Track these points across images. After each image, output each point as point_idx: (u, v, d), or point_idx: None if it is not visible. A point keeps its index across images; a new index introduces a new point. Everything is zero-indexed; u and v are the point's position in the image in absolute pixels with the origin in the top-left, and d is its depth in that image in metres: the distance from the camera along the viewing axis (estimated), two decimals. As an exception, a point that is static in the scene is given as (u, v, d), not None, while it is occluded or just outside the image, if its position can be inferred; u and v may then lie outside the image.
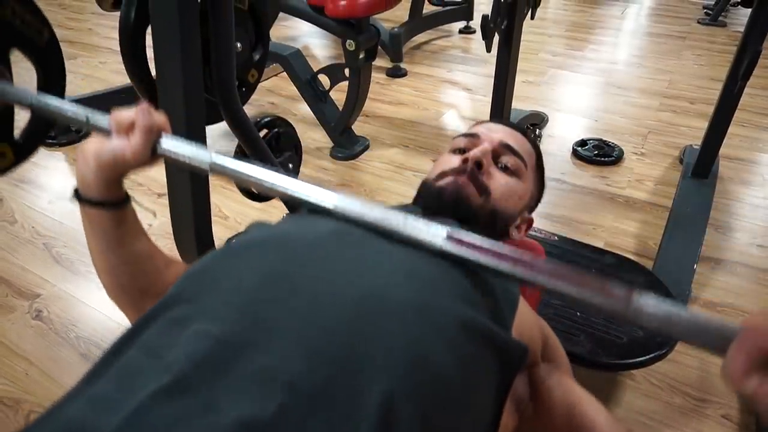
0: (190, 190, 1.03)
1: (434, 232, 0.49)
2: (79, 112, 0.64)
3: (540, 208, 1.80)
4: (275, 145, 1.41)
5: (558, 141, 2.22)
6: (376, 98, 2.61)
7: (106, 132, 0.60)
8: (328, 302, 0.41)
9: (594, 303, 0.43)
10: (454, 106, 2.59)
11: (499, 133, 0.76)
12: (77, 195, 0.61)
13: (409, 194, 1.83)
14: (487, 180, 0.71)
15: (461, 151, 0.76)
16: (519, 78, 2.76)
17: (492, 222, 0.71)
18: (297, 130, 2.21)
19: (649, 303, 0.42)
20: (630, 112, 2.48)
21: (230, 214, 1.76)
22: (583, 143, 2.13)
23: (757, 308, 1.39)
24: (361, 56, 1.87)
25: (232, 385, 0.35)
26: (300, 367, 0.36)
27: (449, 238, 0.48)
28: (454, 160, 0.73)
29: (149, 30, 0.99)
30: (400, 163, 2.08)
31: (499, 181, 0.72)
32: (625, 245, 1.62)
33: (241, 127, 1.18)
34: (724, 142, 2.05)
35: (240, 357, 0.37)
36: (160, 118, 0.59)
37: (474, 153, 0.71)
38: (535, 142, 0.81)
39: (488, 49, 1.63)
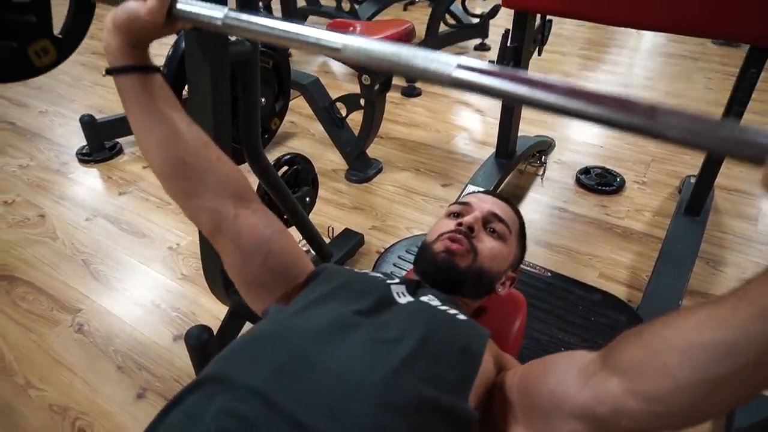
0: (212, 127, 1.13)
1: (446, 61, 0.48)
2: None
3: (542, 236, 1.93)
4: (294, 180, 1.54)
5: (563, 168, 2.32)
6: (391, 119, 2.73)
7: None
8: (322, 389, 0.53)
9: (617, 120, 0.42)
10: (466, 129, 2.70)
11: (488, 203, 0.88)
12: (107, 70, 0.66)
13: (418, 220, 1.98)
14: (476, 242, 0.83)
15: (456, 215, 0.88)
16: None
17: (479, 279, 0.83)
18: (315, 150, 2.36)
19: (674, 116, 0.40)
20: (635, 138, 2.55)
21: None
22: (586, 171, 2.23)
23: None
24: (377, 88, 1.99)
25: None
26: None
27: (459, 66, 0.47)
28: (450, 224, 0.85)
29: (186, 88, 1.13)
30: (410, 187, 2.20)
31: (486, 245, 0.84)
32: (618, 276, 1.73)
33: (263, 171, 1.32)
34: (725, 172, 2.14)
35: (254, 429, 0.50)
36: None
37: (467, 219, 0.83)
38: (518, 211, 0.93)
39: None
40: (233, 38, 1.09)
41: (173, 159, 0.70)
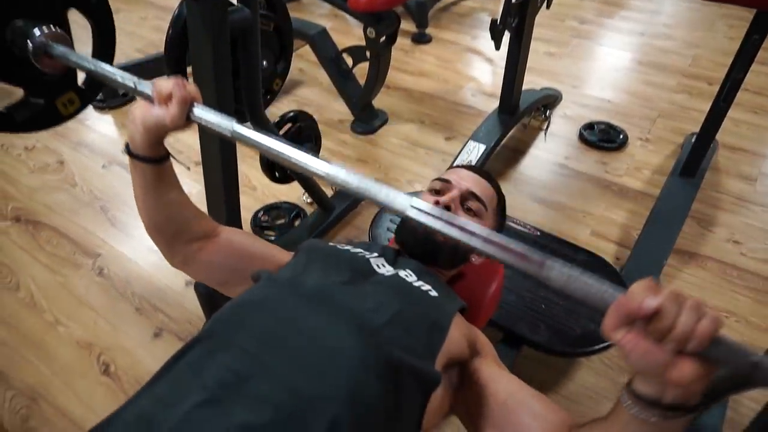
0: (219, 158, 1.24)
1: (402, 201, 0.61)
2: (128, 79, 0.77)
3: (539, 192, 1.98)
4: (297, 137, 1.60)
5: (568, 123, 2.33)
6: (399, 68, 2.72)
7: (149, 98, 0.73)
8: (303, 353, 0.63)
9: (516, 266, 0.53)
10: (474, 79, 2.69)
11: (467, 181, 0.94)
12: (128, 149, 0.77)
13: (420, 173, 2.04)
14: None
15: (436, 192, 0.95)
16: (541, 48, 2.84)
17: (454, 253, 0.91)
18: (322, 100, 2.40)
19: (557, 267, 0.52)
20: (644, 92, 2.54)
21: (258, 186, 1.98)
22: (590, 126, 2.24)
23: (716, 302, 1.56)
24: (382, 40, 2.00)
25: (241, 402, 0.58)
26: (285, 395, 0.58)
27: (412, 206, 0.60)
28: (429, 201, 0.92)
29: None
30: (414, 140, 2.24)
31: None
32: (610, 234, 1.79)
33: (264, 129, 1.38)
34: (731, 129, 2.15)
35: (247, 384, 0.59)
36: (192, 89, 0.72)
37: (444, 199, 0.90)
38: (497, 187, 0.99)
39: (497, 48, 1.74)
40: (233, 6, 1.12)
41: (162, 222, 0.83)
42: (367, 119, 2.27)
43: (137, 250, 1.74)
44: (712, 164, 2.07)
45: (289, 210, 1.86)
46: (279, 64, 1.39)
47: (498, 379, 0.76)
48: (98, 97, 2.44)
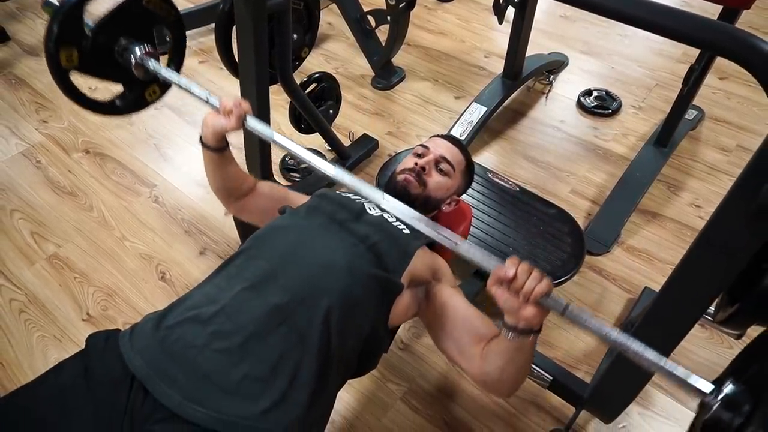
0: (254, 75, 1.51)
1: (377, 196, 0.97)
2: (202, 93, 1.14)
3: (530, 152, 2.26)
4: (320, 95, 1.89)
5: (569, 87, 2.54)
6: (421, 25, 2.93)
7: (216, 108, 1.10)
8: (313, 263, 0.96)
9: (441, 242, 0.91)
10: (491, 40, 2.87)
11: (441, 148, 1.23)
12: (201, 142, 1.14)
13: (428, 128, 2.34)
14: (426, 177, 1.20)
15: (418, 155, 1.24)
16: (557, 11, 2.99)
17: (426, 203, 1.22)
18: (347, 54, 2.65)
19: (465, 245, 0.86)
20: (648, 60, 2.70)
21: (287, 132, 2.26)
22: (588, 93, 2.45)
23: (667, 257, 1.84)
24: (401, 6, 2.22)
25: (271, 289, 0.92)
26: (299, 287, 0.92)
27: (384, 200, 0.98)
28: (411, 162, 1.22)
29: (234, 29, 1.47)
30: (427, 97, 2.50)
31: (434, 179, 1.21)
32: (587, 193, 2.06)
33: (292, 92, 1.68)
34: (721, 101, 2.34)
35: (275, 278, 0.93)
36: (246, 106, 1.08)
37: (421, 162, 1.20)
38: (466, 153, 1.28)
39: (500, 22, 1.96)
40: (270, -7, 1.39)
41: (224, 188, 1.24)
42: (386, 76, 2.53)
43: (185, 183, 2.09)
44: (694, 134, 2.28)
45: (312, 156, 2.17)
46: (307, 35, 1.67)
47: (451, 299, 1.08)
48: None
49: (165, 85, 1.35)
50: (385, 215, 1.13)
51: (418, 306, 1.10)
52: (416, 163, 1.20)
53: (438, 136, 1.30)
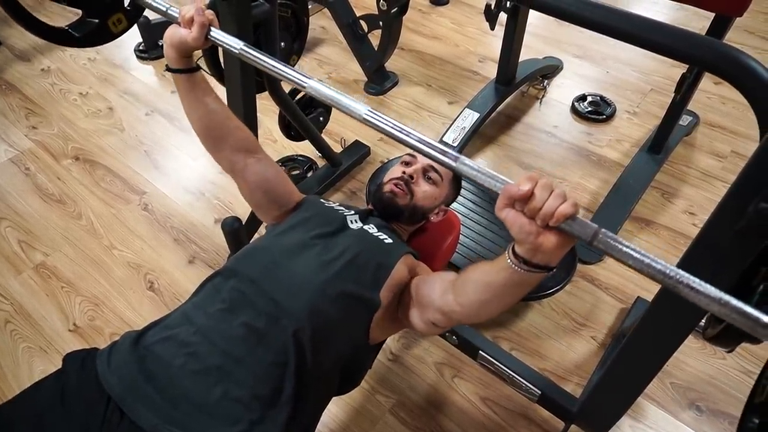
0: (240, 79, 1.46)
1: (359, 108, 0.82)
2: (161, 4, 0.99)
3: (523, 158, 2.22)
4: (310, 102, 1.87)
5: (563, 92, 2.52)
6: (414, 29, 2.91)
7: (176, 21, 0.94)
8: (285, 282, 0.94)
9: (436, 158, 0.71)
10: (484, 44, 2.85)
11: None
12: (166, 67, 0.99)
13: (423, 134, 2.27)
14: (414, 187, 1.18)
15: (406, 164, 1.22)
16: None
17: (413, 213, 1.19)
18: (340, 59, 2.62)
19: (467, 162, 0.68)
20: (644, 65, 2.68)
21: (278, 139, 2.26)
22: (582, 98, 2.43)
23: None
24: (393, 11, 2.20)
25: (246, 310, 0.90)
26: (272, 308, 0.90)
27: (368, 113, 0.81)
28: (398, 171, 1.20)
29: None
30: (420, 103, 2.48)
31: (422, 188, 1.19)
32: (580, 200, 2.04)
33: (281, 100, 1.66)
34: (716, 107, 2.32)
35: (250, 300, 0.91)
36: (210, 14, 0.92)
37: (409, 170, 1.18)
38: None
39: (492, 28, 1.94)
40: (256, 2, 1.37)
41: (206, 127, 1.06)
42: (378, 81, 2.51)
43: (176, 191, 2.07)
44: (689, 139, 2.26)
45: (303, 162, 2.15)
46: (296, 43, 1.65)
47: (418, 280, 1.03)
48: (140, 48, 2.72)
49: (132, 14, 1.23)
50: (365, 227, 1.11)
51: (400, 319, 1.08)
52: (404, 172, 1.18)
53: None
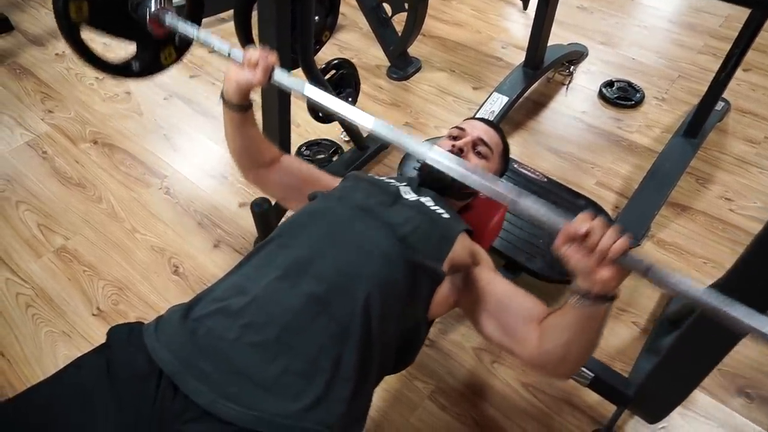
0: (277, 105, 1.51)
1: (423, 151, 0.86)
2: (223, 47, 1.01)
3: (553, 143, 2.17)
4: (339, 82, 1.82)
5: (590, 78, 2.47)
6: (436, 16, 2.86)
7: (239, 63, 0.96)
8: (350, 249, 0.88)
9: (498, 197, 0.78)
10: (506, 31, 2.80)
11: (479, 129, 1.16)
12: (222, 98, 1.02)
13: (446, 120, 2.26)
14: (464, 160, 1.13)
15: (453, 137, 1.17)
16: (573, 2, 2.92)
17: (464, 188, 1.14)
18: (361, 44, 2.58)
19: (529, 201, 0.74)
20: (670, 51, 2.63)
21: (302, 123, 2.21)
22: (610, 84, 2.38)
23: (698, 250, 1.77)
24: (420, -7, 2.15)
25: (304, 278, 0.85)
26: (336, 276, 0.84)
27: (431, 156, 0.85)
28: (447, 145, 1.15)
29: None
30: (444, 88, 2.43)
31: (472, 162, 1.13)
32: (613, 185, 1.99)
33: (314, 77, 1.61)
34: (747, 93, 2.27)
35: (310, 267, 0.85)
36: (274, 58, 0.95)
37: (458, 143, 1.12)
38: (503, 137, 1.20)
39: (525, 8, 1.89)
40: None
41: (245, 153, 1.11)
42: (402, 66, 2.46)
43: (197, 174, 2.02)
44: (721, 125, 2.21)
45: (328, 146, 2.10)
46: (328, 18, 1.60)
47: (493, 281, 1.01)
48: (157, 33, 2.67)
49: (181, 48, 1.25)
50: (422, 199, 1.06)
51: (457, 295, 1.03)
52: (453, 146, 1.12)
53: (471, 118, 1.23)
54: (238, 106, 1.02)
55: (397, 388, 1.44)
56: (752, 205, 1.91)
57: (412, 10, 2.21)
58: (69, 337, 1.53)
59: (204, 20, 2.77)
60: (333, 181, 1.16)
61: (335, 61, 1.79)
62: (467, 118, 1.24)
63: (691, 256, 1.75)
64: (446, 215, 1.04)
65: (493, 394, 1.44)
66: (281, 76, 0.95)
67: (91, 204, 1.90)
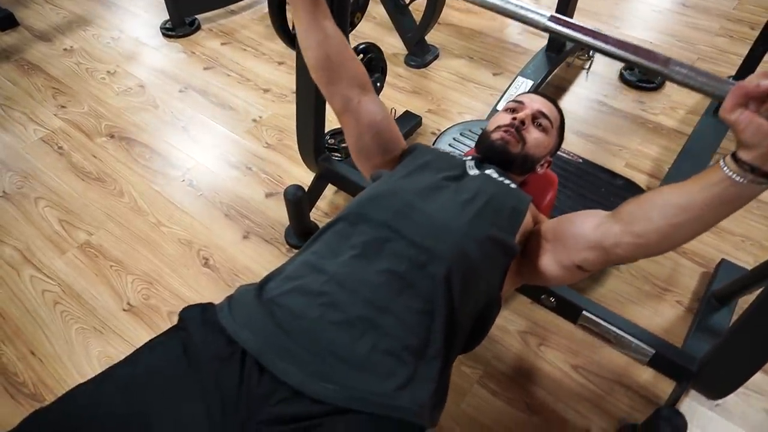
0: (314, 92, 1.45)
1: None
2: None
3: (579, 127, 2.15)
4: (368, 67, 1.78)
5: (609, 62, 2.44)
6: (449, 3, 2.80)
7: None
8: (426, 224, 0.85)
9: (644, 64, 0.75)
10: (520, 16, 2.78)
11: (537, 102, 1.12)
12: None
13: (469, 106, 2.22)
14: (525, 134, 1.09)
15: (512, 110, 1.13)
16: (588, -12, 2.89)
17: (525, 161, 1.10)
18: (376, 34, 2.55)
19: (678, 66, 0.72)
20: (686, 34, 2.62)
21: (328, 112, 2.17)
22: (630, 67, 2.36)
23: (734, 227, 1.75)
24: (440, -23, 2.12)
25: (384, 255, 0.81)
26: (415, 252, 0.81)
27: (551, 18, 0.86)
28: (506, 118, 1.11)
29: None
30: (464, 75, 2.39)
31: (533, 135, 1.10)
32: (642, 166, 1.97)
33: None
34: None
35: (387, 244, 0.82)
36: None
37: (520, 115, 1.09)
38: (560, 109, 1.17)
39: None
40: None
41: (324, 55, 0.99)
42: (420, 53, 2.42)
43: (220, 165, 1.97)
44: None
45: (352, 135, 2.06)
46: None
47: (547, 221, 0.99)
48: (167, 26, 2.62)
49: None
50: (487, 171, 1.03)
51: (521, 272, 1.00)
52: (514, 118, 1.09)
53: (527, 92, 1.20)
54: None
55: (446, 374, 1.40)
56: (784, 182, 1.90)
57: (431, -4, 2.18)
58: (101, 333, 1.48)
59: (213, 12, 2.74)
60: (402, 144, 1.11)
61: (362, 45, 1.76)
62: (519, 94, 1.21)
63: (729, 235, 1.72)
64: (513, 185, 1.01)
65: (542, 377, 1.41)
66: None
67: (112, 198, 1.85)
